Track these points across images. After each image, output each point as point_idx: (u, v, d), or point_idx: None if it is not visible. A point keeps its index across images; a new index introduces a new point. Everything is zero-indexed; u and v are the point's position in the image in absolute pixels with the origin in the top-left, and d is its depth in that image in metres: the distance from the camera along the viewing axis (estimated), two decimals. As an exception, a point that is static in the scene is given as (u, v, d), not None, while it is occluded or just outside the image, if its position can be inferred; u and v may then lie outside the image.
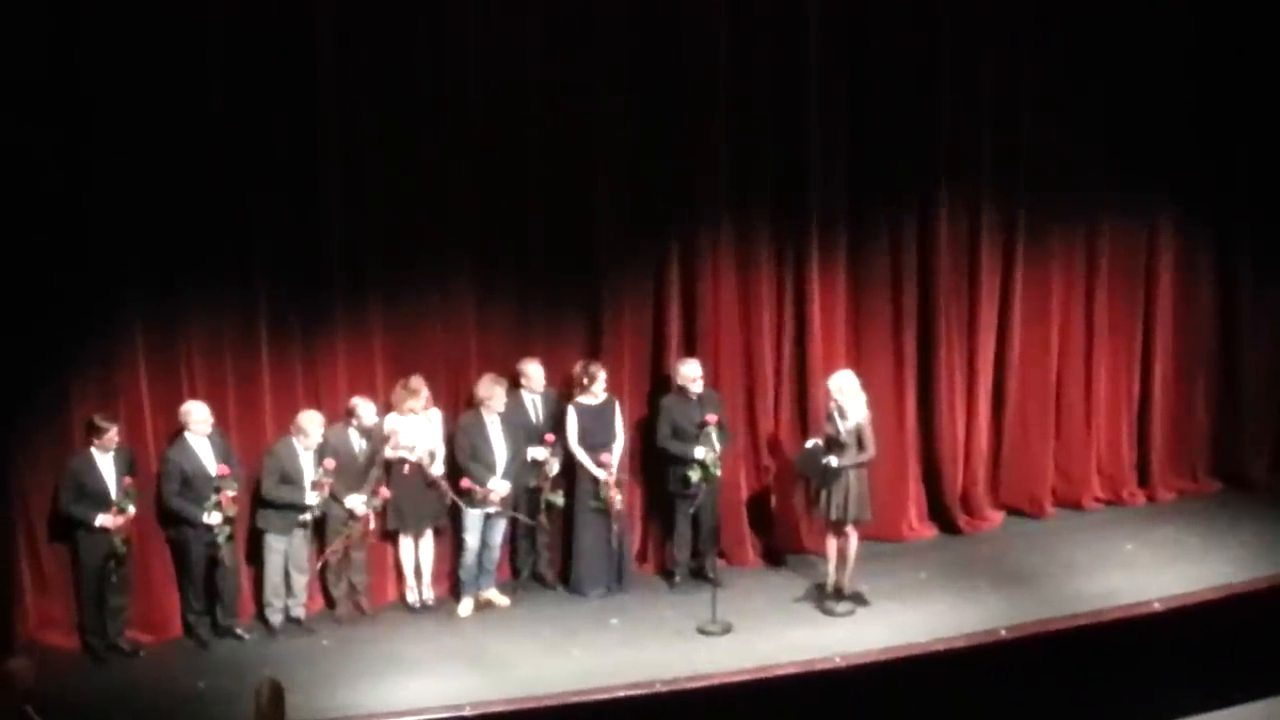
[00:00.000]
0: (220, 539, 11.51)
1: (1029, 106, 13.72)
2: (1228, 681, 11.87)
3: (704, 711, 10.96)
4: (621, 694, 10.87)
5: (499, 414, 12.25)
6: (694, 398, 12.46)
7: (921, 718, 11.13)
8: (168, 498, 11.59)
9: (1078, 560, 13.10)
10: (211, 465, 11.52)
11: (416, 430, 12.15)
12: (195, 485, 11.51)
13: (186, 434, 11.60)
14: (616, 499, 12.40)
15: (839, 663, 11.28)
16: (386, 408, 12.21)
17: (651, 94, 12.74)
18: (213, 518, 11.44)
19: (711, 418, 12.23)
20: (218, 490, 11.45)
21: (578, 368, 12.52)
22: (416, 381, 12.15)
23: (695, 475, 12.19)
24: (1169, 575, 12.67)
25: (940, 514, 13.83)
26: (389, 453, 12.11)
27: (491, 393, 12.21)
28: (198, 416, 11.58)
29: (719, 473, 12.35)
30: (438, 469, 12.23)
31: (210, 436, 11.61)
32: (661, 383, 12.94)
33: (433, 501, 12.25)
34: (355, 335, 12.34)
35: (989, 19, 13.50)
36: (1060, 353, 14.17)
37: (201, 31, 11.54)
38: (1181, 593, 12.26)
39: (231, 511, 11.50)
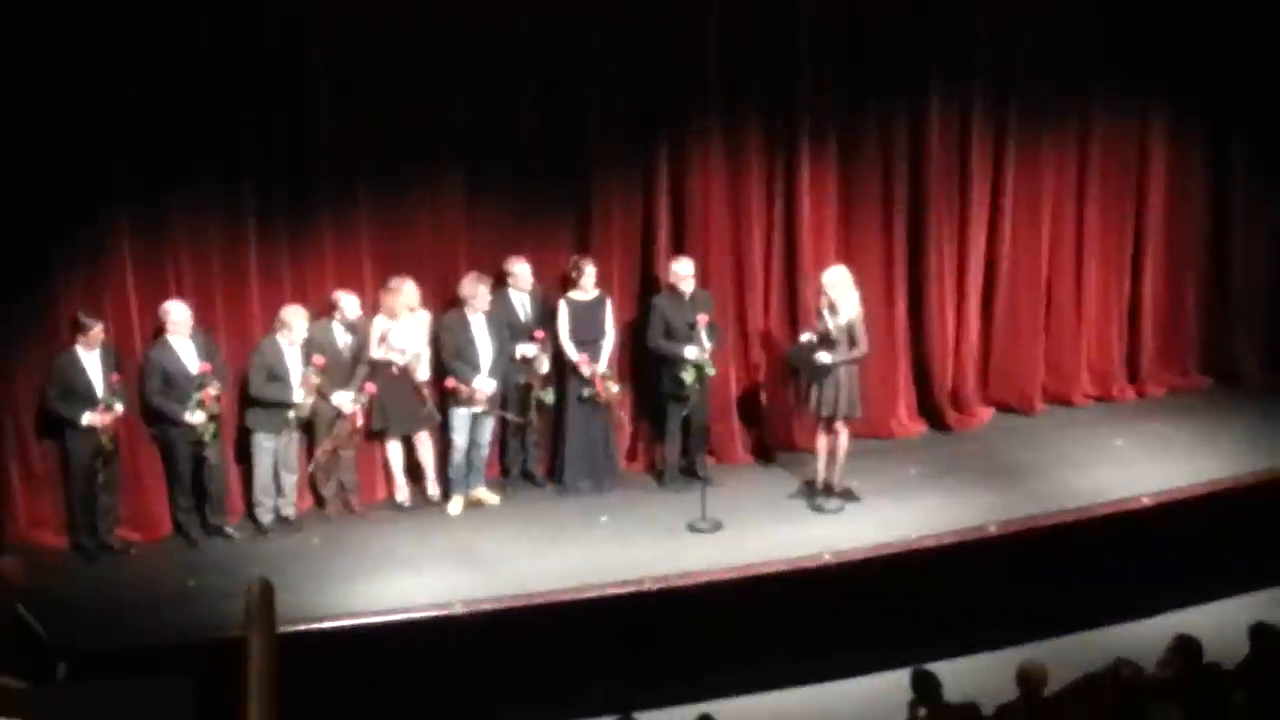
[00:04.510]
0: (205, 437, 11.47)
1: (1021, 2, 13.60)
2: (1216, 576, 11.96)
3: (694, 608, 11.00)
4: (611, 591, 10.91)
5: (484, 313, 12.19)
6: (685, 296, 12.39)
7: (911, 614, 11.18)
8: (149, 396, 11.53)
9: (1067, 456, 13.12)
10: (193, 364, 11.45)
11: (406, 332, 12.08)
12: (177, 384, 11.44)
13: (167, 333, 11.54)
14: (611, 388, 12.38)
15: (829, 559, 11.31)
16: (374, 307, 12.15)
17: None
18: (195, 416, 11.37)
19: (703, 318, 12.17)
20: (200, 388, 11.38)
21: (570, 262, 12.47)
22: (395, 281, 12.05)
23: (690, 377, 12.12)
24: (1159, 470, 12.68)
25: (930, 411, 13.83)
26: (377, 353, 12.07)
27: (475, 291, 12.13)
28: (176, 317, 11.48)
29: (713, 372, 12.31)
30: (424, 373, 12.19)
31: (193, 335, 11.53)
32: (651, 282, 12.89)
33: (420, 404, 12.22)
34: (343, 234, 12.26)
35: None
36: (1051, 249, 14.13)
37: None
38: (1171, 488, 12.27)
39: (215, 409, 11.44)
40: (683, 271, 12.45)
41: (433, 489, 12.45)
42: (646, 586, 10.95)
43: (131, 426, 11.64)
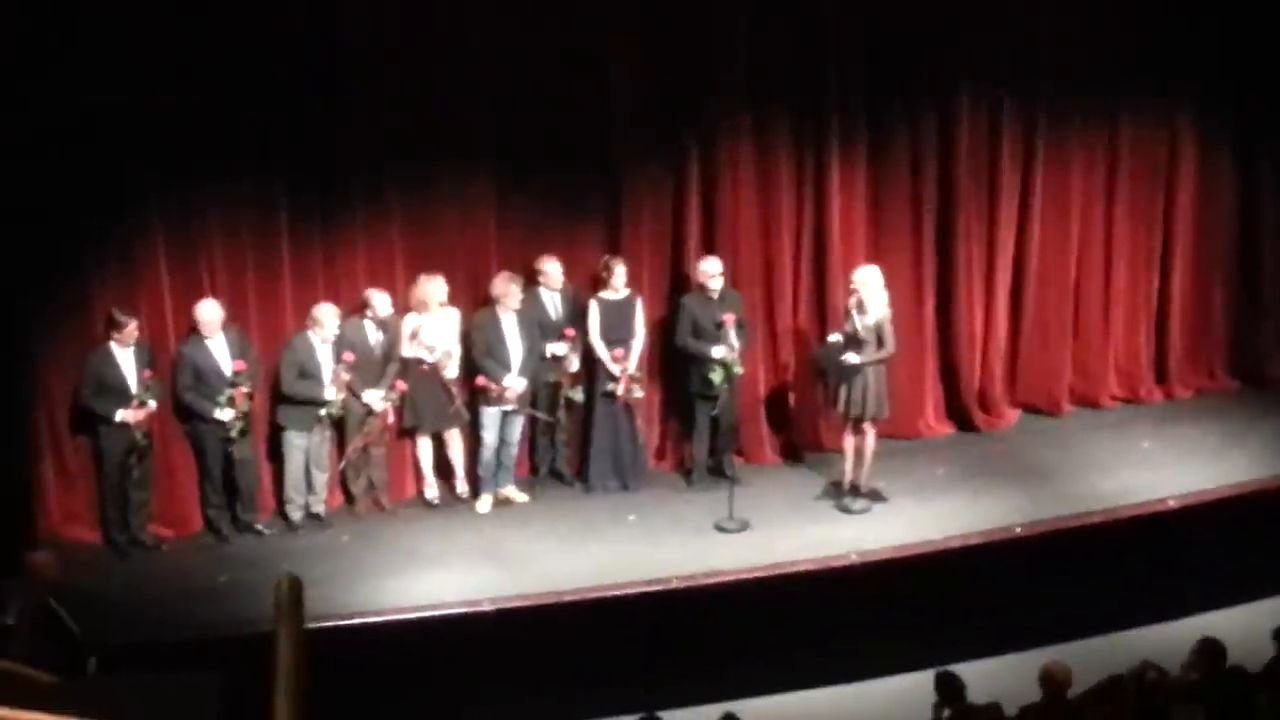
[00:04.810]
0: (235, 434, 11.56)
1: (1049, 4, 13.59)
2: (1242, 579, 11.95)
3: (720, 608, 11.04)
4: (638, 590, 10.95)
5: (515, 311, 12.23)
6: (714, 296, 12.43)
7: (936, 615, 11.21)
8: (182, 393, 11.61)
9: (1094, 458, 13.09)
10: (225, 362, 11.53)
11: (437, 329, 12.15)
12: (209, 381, 11.52)
13: (199, 332, 11.62)
14: (635, 390, 12.40)
15: (855, 560, 11.34)
16: (405, 305, 12.22)
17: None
18: (225, 414, 11.47)
19: (729, 317, 12.21)
20: (232, 386, 11.47)
21: (601, 262, 12.52)
22: (423, 278, 12.13)
23: (719, 377, 12.17)
24: (1186, 472, 12.66)
25: (957, 411, 13.82)
26: (408, 351, 12.13)
27: (506, 290, 12.18)
28: (204, 317, 11.54)
29: (741, 371, 12.35)
30: (454, 370, 12.25)
31: (226, 332, 11.61)
32: (681, 281, 12.92)
33: (450, 402, 12.27)
34: (374, 231, 12.31)
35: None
36: (1079, 251, 14.09)
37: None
38: (1198, 490, 12.26)
39: (245, 407, 11.52)
40: (711, 270, 12.48)
41: (462, 487, 12.50)
42: (673, 585, 10.99)
43: (164, 423, 11.72)
